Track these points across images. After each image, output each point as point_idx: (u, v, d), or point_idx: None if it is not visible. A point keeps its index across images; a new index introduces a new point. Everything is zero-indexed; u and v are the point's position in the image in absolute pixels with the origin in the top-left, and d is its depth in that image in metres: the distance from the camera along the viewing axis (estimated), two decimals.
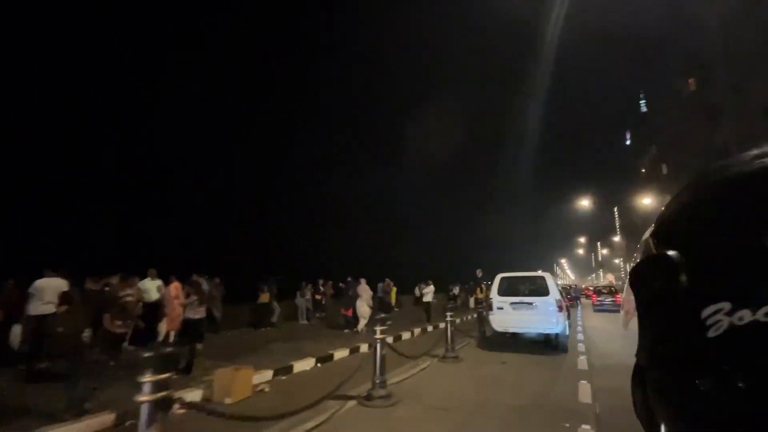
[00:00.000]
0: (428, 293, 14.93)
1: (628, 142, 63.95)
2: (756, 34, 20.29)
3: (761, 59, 20.37)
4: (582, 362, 7.60)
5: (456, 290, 21.05)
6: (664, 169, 39.83)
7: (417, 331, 12.18)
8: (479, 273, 15.26)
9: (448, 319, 7.94)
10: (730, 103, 24.54)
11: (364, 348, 8.70)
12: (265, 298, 11.95)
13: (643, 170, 51.94)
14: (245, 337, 10.29)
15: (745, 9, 21.12)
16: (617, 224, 28.54)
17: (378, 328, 5.24)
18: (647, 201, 29.25)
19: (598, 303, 23.13)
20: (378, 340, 5.13)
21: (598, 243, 56.89)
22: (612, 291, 23.78)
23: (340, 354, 8.17)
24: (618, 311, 20.62)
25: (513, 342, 9.78)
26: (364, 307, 12.47)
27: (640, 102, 64.26)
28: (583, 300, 33.48)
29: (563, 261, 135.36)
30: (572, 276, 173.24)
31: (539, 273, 9.89)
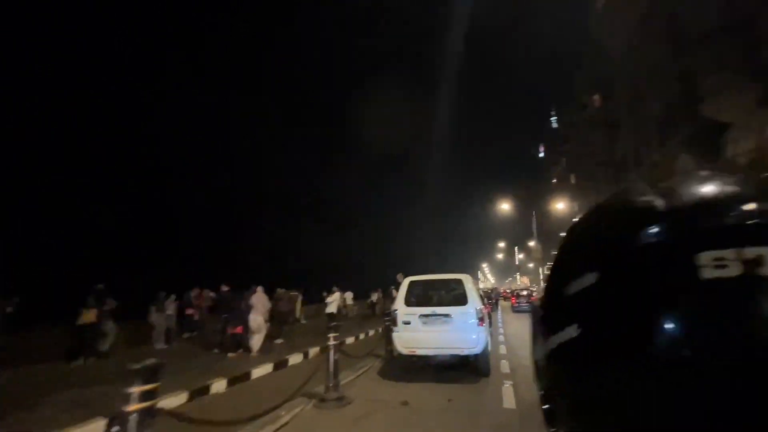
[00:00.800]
0: (332, 303, 13.01)
1: (541, 154, 69.28)
2: (648, 56, 22.16)
3: (651, 79, 22.28)
4: (508, 392, 6.23)
5: (375, 297, 19.53)
6: (573, 179, 43.14)
7: (313, 351, 10.00)
8: (399, 278, 13.86)
9: (331, 343, 5.80)
10: (627, 118, 26.77)
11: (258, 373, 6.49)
12: (88, 317, 8.68)
13: (554, 180, 56.39)
14: (30, 379, 7.18)
15: (640, 33, 23.06)
16: (534, 229, 30.02)
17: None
18: (560, 207, 30.85)
19: (516, 304, 26.08)
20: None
21: (516, 248, 60.14)
22: (529, 293, 27.05)
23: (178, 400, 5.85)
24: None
25: (422, 368, 7.95)
26: (258, 322, 10.28)
27: (551, 118, 70.43)
28: (502, 302, 34.81)
29: (485, 266, 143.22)
30: (492, 280, 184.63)
31: (456, 275, 7.99)
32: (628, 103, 26.61)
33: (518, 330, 14.43)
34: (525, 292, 27.90)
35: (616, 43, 27.58)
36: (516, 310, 25.67)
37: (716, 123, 17.14)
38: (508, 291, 38.58)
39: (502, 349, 10.69)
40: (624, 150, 28.13)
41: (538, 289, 43.80)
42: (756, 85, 14.72)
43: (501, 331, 15.31)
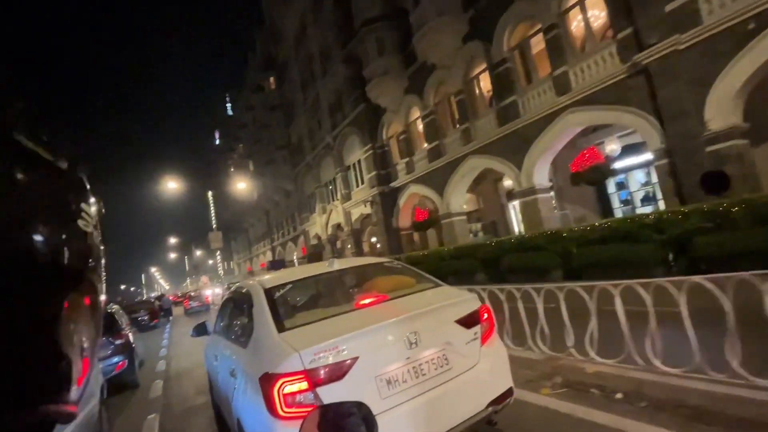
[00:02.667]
0: None
1: (217, 142, 64.84)
2: (321, 37, 22.89)
3: (322, 60, 23.23)
4: None
5: None
6: (251, 166, 41.81)
7: None
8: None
9: None
10: (302, 100, 27.33)
11: None
12: None
13: (232, 168, 53.77)
14: None
15: (313, 14, 23.53)
16: (213, 214, 26.10)
17: None
18: (241, 187, 27.89)
19: (189, 307, 24.67)
20: None
21: (193, 245, 53.08)
22: (199, 294, 26.91)
23: None
24: (207, 310, 22.72)
25: None
26: None
27: (227, 105, 67.19)
28: (176, 310, 28.58)
29: (155, 271, 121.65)
30: (166, 286, 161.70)
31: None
32: (302, 86, 27.21)
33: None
34: (194, 293, 27.46)
35: (289, 25, 27.54)
36: (190, 312, 24.14)
37: (378, 106, 19.21)
38: (178, 295, 36.34)
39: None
40: (300, 133, 28.73)
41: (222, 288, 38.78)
42: (405, 72, 17.11)
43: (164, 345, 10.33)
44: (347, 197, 22.68)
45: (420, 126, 17.47)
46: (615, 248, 7.65)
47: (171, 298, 36.83)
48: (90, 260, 0.50)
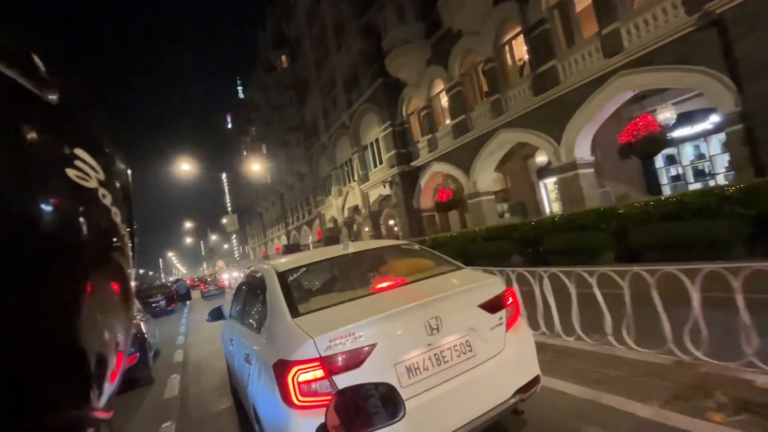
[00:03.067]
0: None
1: (229, 125, 64.28)
2: (334, 9, 21.66)
3: (336, 34, 22.05)
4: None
5: None
6: (264, 149, 41.14)
7: None
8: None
9: None
10: (315, 78, 26.27)
11: None
12: None
13: (245, 152, 53.26)
14: None
15: None
16: (227, 199, 25.61)
17: None
18: (255, 169, 27.35)
19: (206, 290, 25.08)
20: None
21: (208, 228, 53.24)
22: (215, 278, 27.51)
23: None
24: (222, 293, 24.04)
25: None
26: None
27: (238, 87, 66.32)
28: (194, 294, 28.62)
29: (172, 255, 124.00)
30: (183, 270, 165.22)
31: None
32: (316, 63, 26.11)
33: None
34: (210, 278, 28.01)
35: None
36: (206, 296, 24.56)
37: (397, 80, 18.09)
38: (195, 279, 36.67)
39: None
40: (313, 113, 27.77)
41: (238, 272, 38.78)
42: (428, 42, 15.92)
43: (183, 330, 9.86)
44: (365, 178, 21.82)
45: (444, 100, 16.35)
46: (685, 226, 6.65)
47: (188, 282, 36.97)
48: (114, 238, 0.40)
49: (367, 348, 1.94)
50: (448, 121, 15.81)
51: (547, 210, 15.40)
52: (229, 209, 25.56)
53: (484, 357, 2.22)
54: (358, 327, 1.96)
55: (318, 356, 1.88)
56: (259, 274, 3.07)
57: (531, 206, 15.87)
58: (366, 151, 21.89)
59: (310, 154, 29.59)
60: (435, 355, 2.10)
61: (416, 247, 3.35)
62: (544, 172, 15.33)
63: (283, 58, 32.05)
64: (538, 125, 11.75)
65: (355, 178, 22.45)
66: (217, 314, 4.06)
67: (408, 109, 18.26)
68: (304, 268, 2.89)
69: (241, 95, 62.93)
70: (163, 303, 15.67)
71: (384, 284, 2.52)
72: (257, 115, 42.29)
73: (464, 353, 2.17)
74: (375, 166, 21.07)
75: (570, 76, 10.75)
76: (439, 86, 16.05)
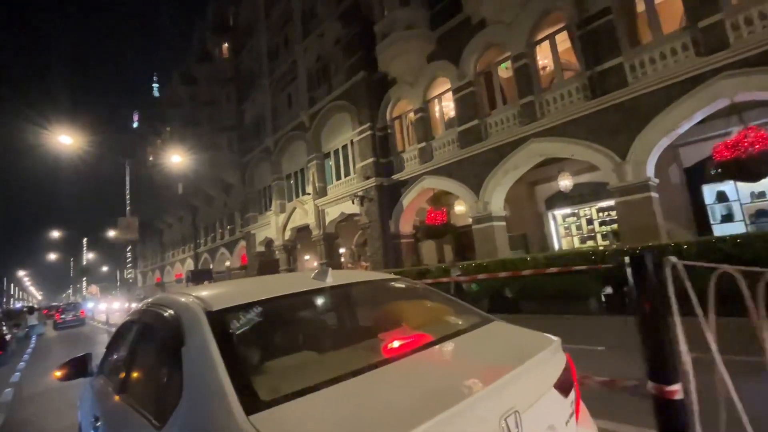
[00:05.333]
0: None
1: (135, 124, 54.48)
2: None
3: (305, 19, 18.58)
4: None
5: None
6: (180, 153, 34.00)
7: None
8: None
9: None
10: (265, 70, 22.02)
11: None
12: None
13: (151, 157, 44.48)
14: None
15: None
16: (127, 196, 18.90)
17: None
18: (159, 186, 21.38)
19: (61, 320, 22.93)
20: None
21: (84, 240, 41.71)
22: (77, 306, 25.83)
23: None
24: (82, 324, 22.35)
25: None
26: None
27: (153, 85, 57.61)
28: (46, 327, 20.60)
29: (23, 275, 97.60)
30: (38, 296, 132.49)
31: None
32: (269, 53, 21.97)
33: None
34: (69, 304, 27.18)
35: None
36: (61, 327, 22.29)
37: (384, 76, 15.00)
38: (52, 306, 34.21)
39: None
40: (258, 111, 23.11)
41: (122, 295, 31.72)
42: (432, 33, 13.28)
43: None
44: (322, 192, 17.68)
45: (447, 102, 13.61)
46: None
47: (44, 311, 27.40)
48: None
49: None
50: (454, 127, 12.98)
51: (556, 245, 13.09)
52: (128, 210, 18.65)
53: None
54: None
55: None
56: (169, 312, 1.68)
57: (534, 239, 13.46)
58: (327, 159, 17.95)
59: (245, 161, 24.39)
60: None
61: (418, 284, 2.33)
62: (555, 201, 13.17)
63: (225, 46, 27.21)
64: (591, 135, 9.43)
65: (309, 191, 18.15)
66: (76, 367, 2.43)
67: (394, 111, 15.13)
68: (257, 308, 1.59)
69: (156, 93, 54.51)
70: None
71: (398, 343, 1.53)
72: (176, 113, 35.42)
73: None
74: (338, 177, 17.17)
75: (644, 77, 8.71)
76: (443, 86, 13.33)
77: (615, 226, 11.87)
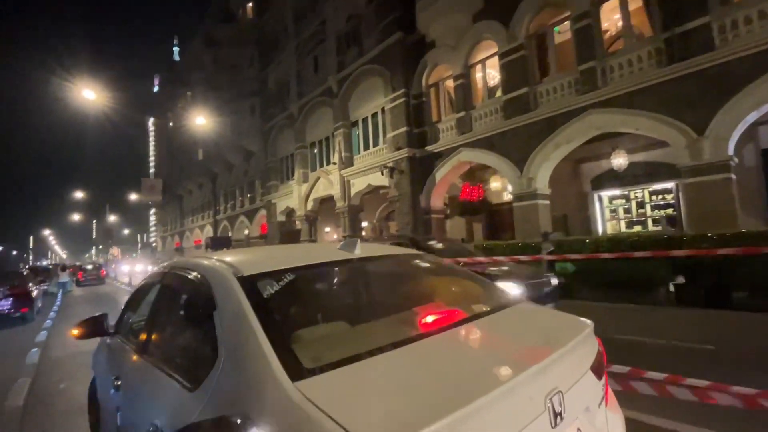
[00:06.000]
0: None
1: (156, 88, 54.02)
2: None
3: None
4: None
5: None
6: (201, 118, 33.50)
7: None
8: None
9: None
10: (292, 32, 20.94)
11: None
12: None
13: (171, 123, 44.19)
14: None
15: None
16: (152, 158, 18.64)
17: None
18: (180, 152, 20.91)
19: (83, 278, 24.49)
20: None
21: (107, 205, 42.41)
22: (97, 266, 27.73)
23: None
24: (101, 283, 24.50)
25: None
26: None
27: (174, 47, 56.70)
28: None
29: (48, 234, 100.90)
30: (63, 254, 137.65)
31: None
32: (296, 14, 20.83)
33: None
34: (91, 266, 28.06)
35: None
36: (82, 284, 23.68)
37: (422, 38, 13.91)
38: (76, 265, 34.92)
39: None
40: (282, 76, 22.21)
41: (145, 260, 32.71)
42: None
43: None
44: (348, 162, 16.97)
45: (491, 68, 12.55)
46: None
47: (70, 269, 28.26)
48: None
49: None
50: (497, 95, 11.98)
51: (600, 229, 12.22)
52: (152, 172, 18.25)
53: None
54: (460, 421, 0.89)
55: None
56: (194, 275, 1.68)
57: (575, 222, 12.60)
58: (355, 127, 17.13)
59: (268, 128, 23.71)
60: None
61: (444, 261, 2.38)
62: (602, 181, 12.19)
63: (249, 6, 26.03)
64: (662, 106, 8.39)
65: (334, 161, 17.46)
66: (94, 327, 2.35)
67: (430, 77, 14.11)
68: (288, 276, 1.55)
69: (176, 57, 53.62)
70: (3, 304, 8.83)
71: (432, 318, 1.53)
72: (197, 77, 34.66)
73: None
74: (366, 147, 16.40)
75: (735, 41, 7.58)
76: (488, 49, 12.23)
77: (669, 210, 10.93)
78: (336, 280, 1.98)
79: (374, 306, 2.02)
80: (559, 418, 1.12)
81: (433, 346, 1.29)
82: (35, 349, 6.36)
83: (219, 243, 28.13)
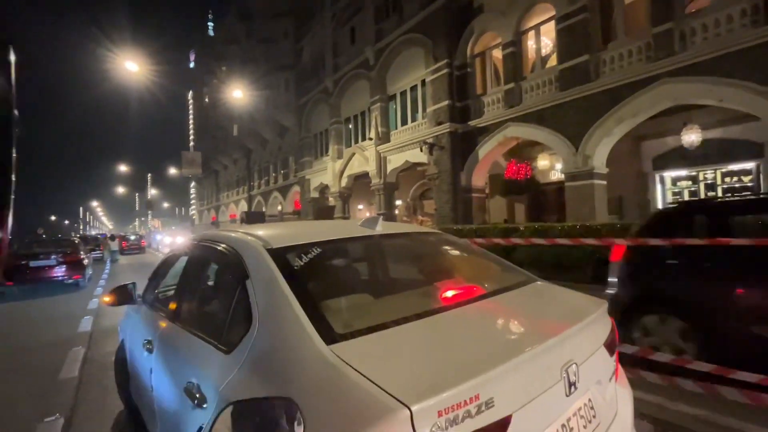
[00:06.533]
0: None
1: (192, 64, 54.84)
2: None
3: None
4: None
5: None
6: (235, 93, 33.63)
7: None
8: None
9: None
10: (327, 1, 20.19)
11: None
12: None
13: (207, 99, 44.80)
14: None
15: None
16: (191, 130, 19.05)
17: None
18: (216, 127, 20.95)
19: (126, 247, 26.72)
20: None
21: (149, 178, 44.13)
22: (139, 237, 30.33)
23: None
24: (142, 252, 27.10)
25: None
26: None
27: (208, 24, 56.96)
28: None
29: (96, 205, 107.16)
30: (110, 225, 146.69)
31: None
32: None
33: None
34: (134, 237, 29.85)
35: None
36: (126, 253, 26.16)
37: (468, 4, 12.93)
38: (122, 235, 35.83)
39: None
40: (317, 49, 21.63)
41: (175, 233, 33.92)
42: None
43: None
44: (385, 138, 16.44)
45: (546, 35, 11.51)
46: None
47: (118, 239, 30.00)
48: None
49: (497, 428, 0.99)
50: (550, 66, 11.00)
51: None
52: (191, 145, 18.46)
53: (605, 427, 1.38)
54: (481, 384, 0.98)
55: None
56: (223, 246, 1.80)
57: (631, 204, 11.63)
58: (393, 101, 16.48)
59: (302, 103, 23.40)
60: (563, 427, 1.20)
61: (461, 240, 2.40)
62: (666, 160, 11.11)
63: None
64: (757, 73, 7.28)
65: (371, 136, 16.97)
66: (123, 295, 2.53)
67: (476, 46, 13.16)
68: (314, 249, 1.65)
69: (211, 32, 53.86)
70: (58, 271, 9.22)
71: (452, 293, 1.64)
72: (232, 50, 34.62)
73: (589, 422, 1.32)
74: (404, 122, 15.78)
75: None
76: (544, 13, 11.15)
77: (747, 194, 9.80)
78: (358, 254, 2.23)
79: (395, 280, 2.19)
80: (573, 387, 1.23)
81: (454, 318, 1.39)
82: (88, 317, 6.51)
83: (254, 218, 28.72)
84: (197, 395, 1.38)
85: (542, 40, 11.70)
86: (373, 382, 0.94)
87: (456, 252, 2.25)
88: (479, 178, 13.25)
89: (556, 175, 12.67)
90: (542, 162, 12.93)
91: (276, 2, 25.92)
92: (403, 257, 2.33)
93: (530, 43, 11.89)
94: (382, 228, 1.97)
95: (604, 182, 10.18)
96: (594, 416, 1.34)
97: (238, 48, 32.98)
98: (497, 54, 12.63)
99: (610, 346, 1.49)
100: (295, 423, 0.98)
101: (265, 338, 1.26)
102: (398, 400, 0.88)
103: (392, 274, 2.25)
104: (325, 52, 20.76)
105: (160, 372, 1.85)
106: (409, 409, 0.87)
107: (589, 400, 1.34)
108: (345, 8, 19.07)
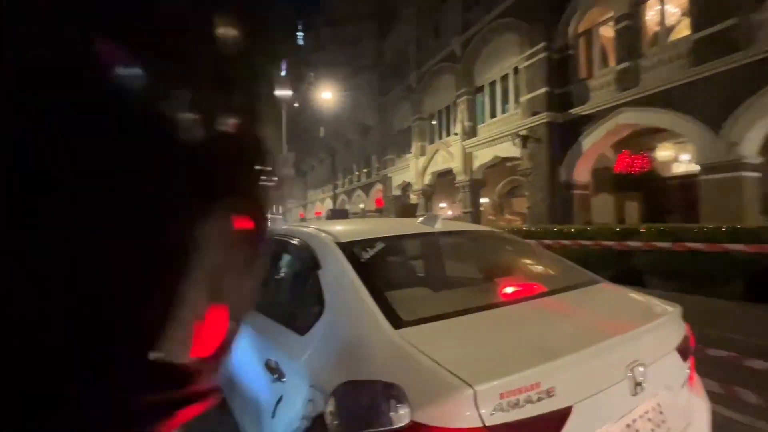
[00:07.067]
0: None
1: (283, 73, 59.36)
2: None
3: None
4: None
5: None
6: (322, 96, 35.35)
7: None
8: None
9: None
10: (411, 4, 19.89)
11: None
12: None
13: (296, 104, 48.08)
14: None
15: None
16: (285, 149, 20.68)
17: None
18: (304, 130, 22.00)
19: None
20: None
21: None
22: None
23: None
24: None
25: None
26: None
27: (297, 34, 60.90)
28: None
29: None
30: None
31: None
32: None
33: None
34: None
35: None
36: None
37: None
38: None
39: None
40: (400, 46, 21.52)
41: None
42: None
43: None
44: (471, 132, 15.61)
45: (674, 0, 9.74)
46: None
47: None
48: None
49: (557, 417, 1.03)
50: (676, 36, 9.26)
51: None
52: (285, 147, 19.85)
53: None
54: (542, 373, 1.04)
55: (482, 425, 0.95)
56: (296, 240, 1.99)
57: None
58: (480, 93, 15.58)
59: (384, 102, 23.54)
60: (628, 427, 1.19)
61: (521, 239, 2.45)
62: None
63: None
64: None
65: (457, 131, 16.27)
66: None
67: (580, 25, 11.71)
68: (378, 244, 1.76)
69: (300, 41, 57.67)
70: None
71: (512, 289, 1.70)
72: (319, 56, 36.46)
73: (658, 426, 1.28)
74: (493, 115, 14.80)
75: None
76: None
77: None
78: (418, 250, 2.46)
79: (454, 276, 2.35)
80: (639, 387, 1.20)
81: (516, 312, 1.47)
82: None
83: (338, 215, 29.96)
84: (277, 370, 1.50)
85: (666, 9, 9.90)
86: (439, 364, 1.02)
87: (516, 250, 2.30)
88: (582, 173, 11.77)
89: (683, 167, 10.69)
90: (663, 153, 11.00)
91: (360, 5, 26.49)
92: (462, 253, 2.51)
93: (651, 13, 10.15)
94: (441, 226, 2.10)
95: (757, 174, 8.21)
96: (663, 421, 1.31)
97: (325, 53, 34.60)
98: (606, 31, 11.07)
99: (683, 352, 1.47)
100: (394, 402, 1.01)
101: (336, 322, 1.40)
102: (463, 380, 0.96)
103: (450, 270, 2.40)
104: (408, 49, 20.52)
105: (242, 351, 1.97)
106: (473, 388, 0.94)
107: (658, 404, 1.32)
108: (428, 3, 18.57)
